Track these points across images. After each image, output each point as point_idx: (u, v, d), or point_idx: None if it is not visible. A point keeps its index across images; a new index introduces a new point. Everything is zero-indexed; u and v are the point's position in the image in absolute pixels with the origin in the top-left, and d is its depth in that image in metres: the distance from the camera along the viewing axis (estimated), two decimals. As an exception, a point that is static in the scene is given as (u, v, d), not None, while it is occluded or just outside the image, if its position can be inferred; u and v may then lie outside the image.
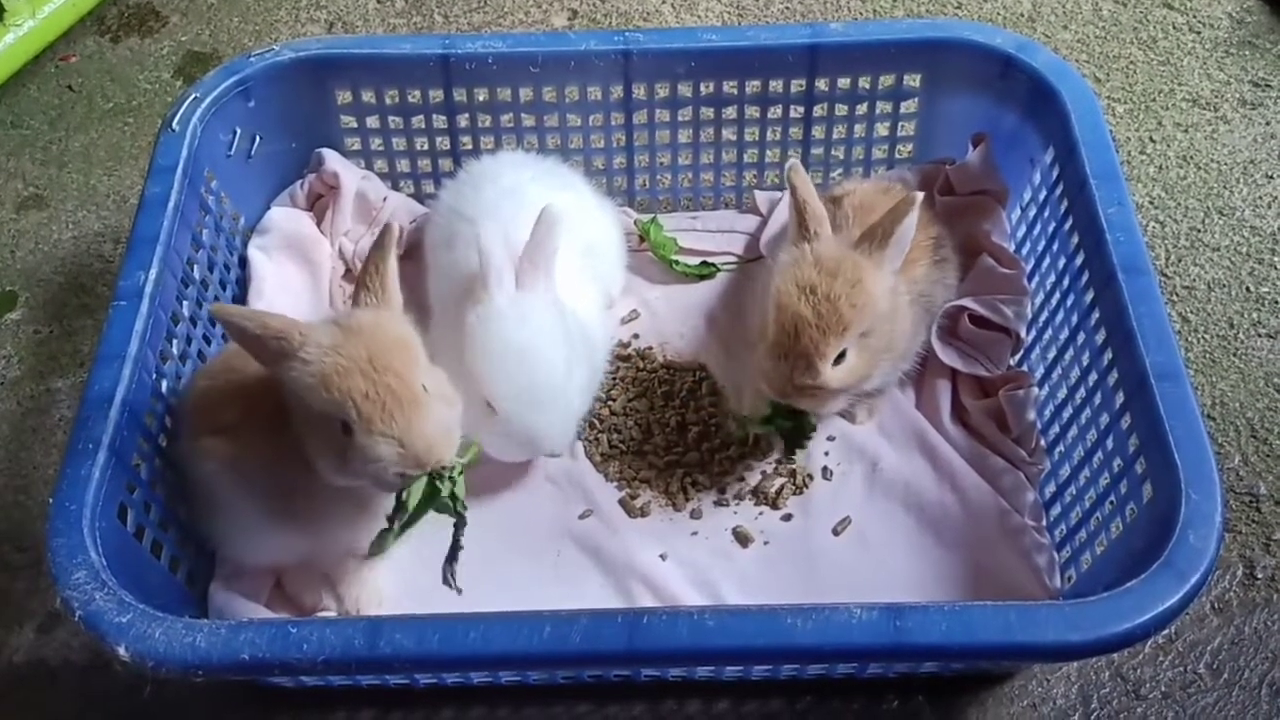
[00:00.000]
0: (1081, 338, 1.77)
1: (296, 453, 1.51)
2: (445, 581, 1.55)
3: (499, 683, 1.69)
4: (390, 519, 1.52)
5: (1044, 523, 1.80)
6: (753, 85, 2.09)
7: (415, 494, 1.48)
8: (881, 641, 1.36)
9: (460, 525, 1.54)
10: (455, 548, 1.55)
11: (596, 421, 1.94)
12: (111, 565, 1.43)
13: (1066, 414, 1.81)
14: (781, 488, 1.86)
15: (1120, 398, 1.63)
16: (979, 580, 1.74)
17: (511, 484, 1.87)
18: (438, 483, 1.48)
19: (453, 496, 1.50)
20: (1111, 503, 1.63)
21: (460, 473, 1.51)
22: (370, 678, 1.65)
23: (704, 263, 2.16)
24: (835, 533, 1.81)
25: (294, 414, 1.50)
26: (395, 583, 1.76)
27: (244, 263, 2.07)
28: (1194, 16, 2.63)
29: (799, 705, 1.70)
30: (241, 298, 2.03)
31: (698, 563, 1.78)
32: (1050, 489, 1.83)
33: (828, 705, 1.69)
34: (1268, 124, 2.41)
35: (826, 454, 1.90)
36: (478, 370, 1.64)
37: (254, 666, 1.36)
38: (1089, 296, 1.75)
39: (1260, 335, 2.08)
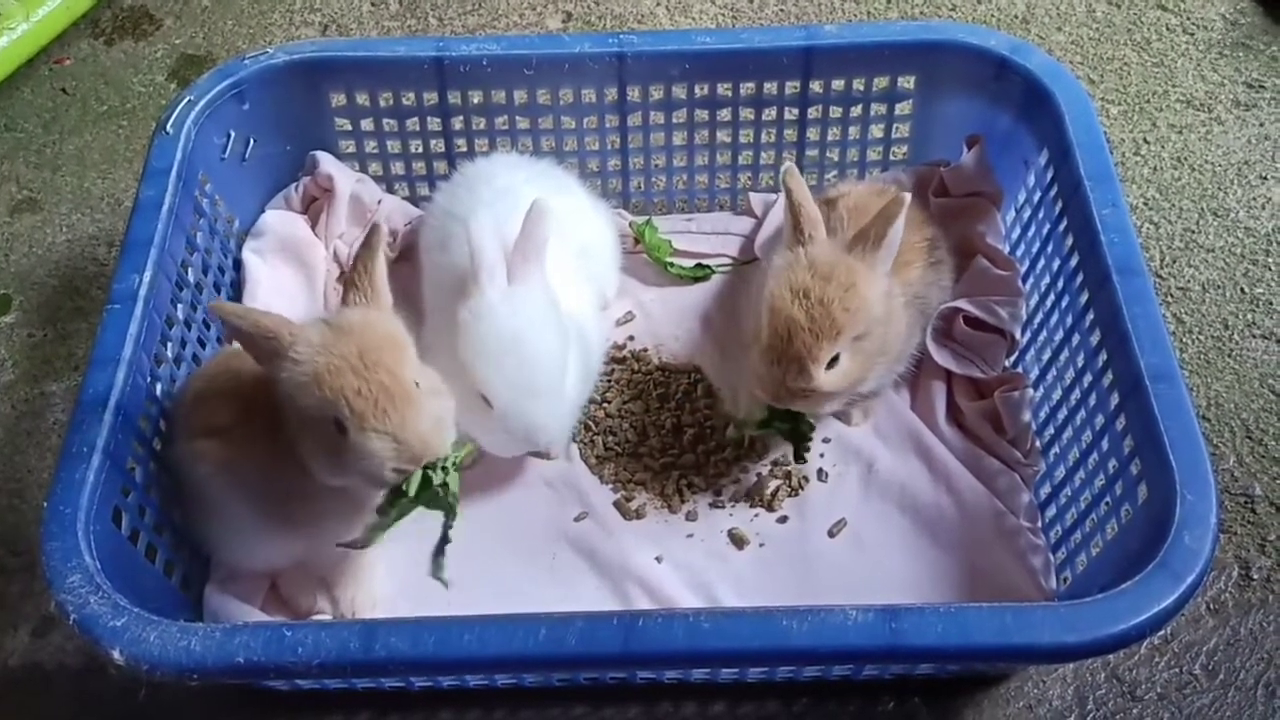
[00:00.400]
0: (1076, 339, 1.77)
1: (291, 455, 1.51)
2: (433, 574, 1.55)
3: (495, 685, 1.69)
4: (383, 509, 1.51)
5: (1039, 524, 1.80)
6: (747, 87, 2.09)
7: (414, 484, 1.48)
8: (877, 643, 1.36)
9: (450, 519, 1.53)
10: (443, 541, 1.54)
11: (592, 424, 1.94)
12: (106, 569, 1.43)
13: (1061, 415, 1.81)
14: (777, 490, 1.86)
15: (1115, 399, 1.63)
16: (974, 582, 1.74)
17: (507, 486, 1.87)
18: (430, 473, 1.48)
19: (444, 486, 1.49)
20: (1107, 504, 1.63)
21: (454, 465, 1.50)
22: (366, 681, 1.65)
23: (699, 265, 2.16)
24: (831, 534, 1.81)
25: (287, 415, 1.50)
26: (390, 584, 1.76)
27: (238, 265, 2.07)
28: (1188, 18, 2.63)
29: (795, 708, 1.69)
30: (236, 301, 2.03)
31: (693, 565, 1.78)
32: (1045, 490, 1.83)
33: (824, 707, 1.69)
34: (1261, 125, 2.41)
35: (822, 455, 1.90)
36: (472, 364, 1.64)
37: (249, 670, 1.36)
38: (1084, 298, 1.75)
39: (1255, 336, 2.08)
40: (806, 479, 1.88)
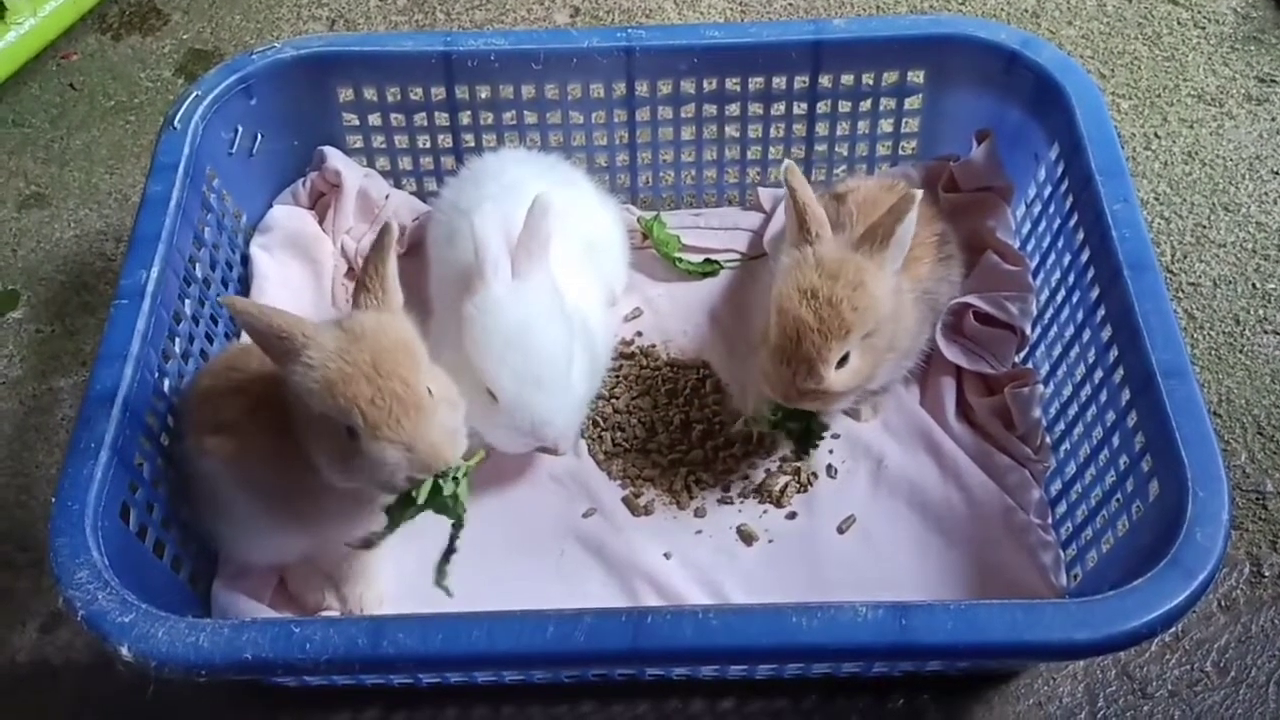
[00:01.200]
0: (1087, 334, 1.76)
1: (298, 451, 1.51)
2: (437, 583, 1.54)
3: (503, 682, 1.69)
4: (390, 512, 1.51)
5: (1050, 520, 1.80)
6: (756, 82, 2.08)
7: (424, 491, 1.48)
8: (887, 640, 1.35)
9: (457, 528, 1.53)
10: (450, 551, 1.54)
11: (600, 420, 1.93)
12: (114, 565, 1.43)
13: (1072, 411, 1.80)
14: (786, 485, 1.85)
15: (1126, 395, 1.62)
16: (984, 578, 1.74)
17: (515, 482, 1.87)
18: (441, 482, 1.48)
19: (454, 497, 1.49)
20: (1118, 500, 1.62)
21: (465, 474, 1.50)
22: (374, 677, 1.65)
23: (707, 260, 2.15)
24: (840, 531, 1.80)
25: (296, 414, 1.50)
26: (398, 581, 1.75)
27: (246, 261, 2.07)
28: (1199, 12, 2.62)
29: (804, 704, 1.69)
30: (243, 296, 2.02)
31: (702, 562, 1.78)
32: (1056, 487, 1.82)
33: (833, 704, 1.69)
34: (1273, 120, 2.40)
35: (831, 451, 1.90)
36: (477, 359, 1.64)
37: (257, 666, 1.36)
38: (1094, 293, 1.74)
39: (1266, 332, 2.07)
40: (815, 475, 1.87)
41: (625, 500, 1.85)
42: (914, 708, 1.69)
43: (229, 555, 1.74)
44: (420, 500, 1.48)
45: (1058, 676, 1.71)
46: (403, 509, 1.50)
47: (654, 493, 1.86)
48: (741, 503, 1.85)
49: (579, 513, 1.83)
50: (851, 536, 1.80)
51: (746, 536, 1.80)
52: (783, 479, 1.86)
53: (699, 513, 1.83)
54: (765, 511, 1.84)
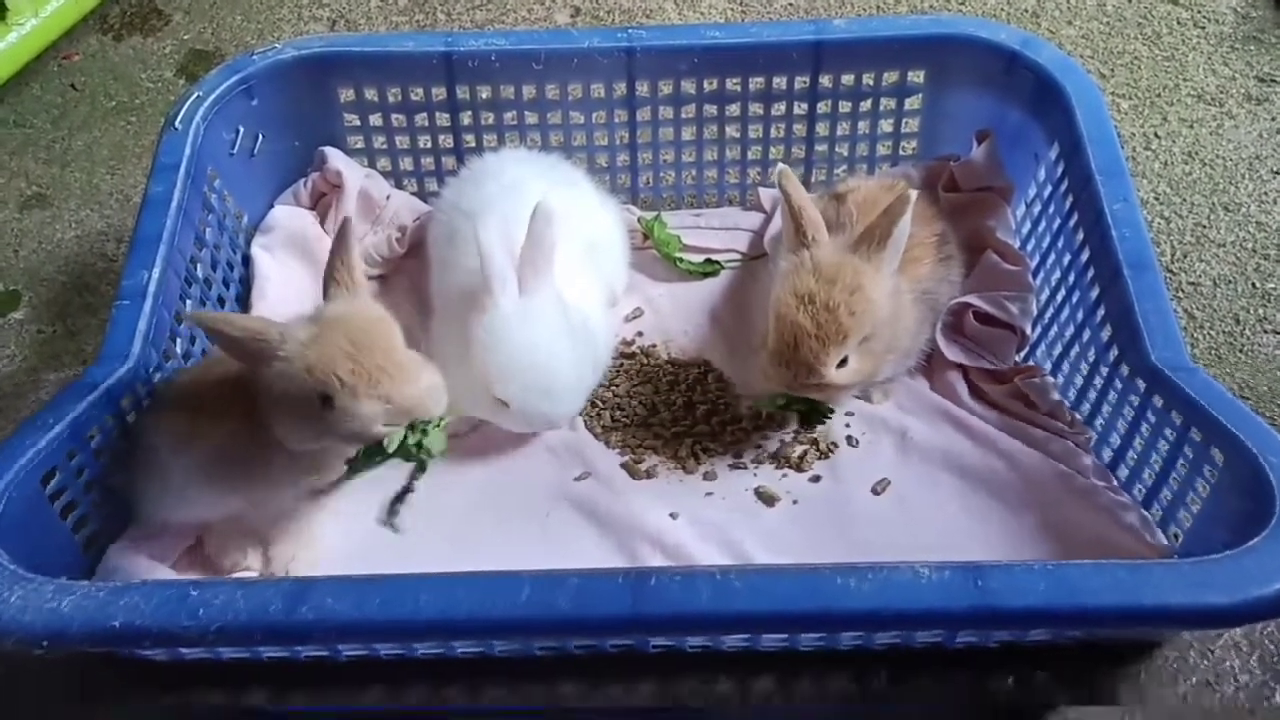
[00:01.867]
0: (1087, 334, 1.76)
1: (250, 429, 1.50)
2: (384, 521, 1.49)
3: (452, 655, 1.49)
4: (355, 461, 1.49)
5: (1114, 483, 1.69)
6: (756, 82, 2.09)
7: (394, 441, 1.46)
8: (963, 604, 1.21)
9: (418, 471, 1.50)
10: (405, 490, 1.51)
11: (599, 403, 1.90)
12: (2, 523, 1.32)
13: (1084, 409, 1.78)
14: (805, 453, 1.78)
15: (1141, 385, 1.60)
16: (1058, 539, 1.62)
17: (503, 453, 1.80)
18: (409, 431, 1.47)
19: (419, 445, 1.48)
20: (1184, 465, 1.54)
21: (437, 425, 1.49)
22: (277, 650, 1.47)
23: (708, 260, 2.15)
24: (875, 492, 1.73)
25: (265, 399, 1.49)
26: (335, 540, 1.63)
27: (247, 261, 2.07)
28: (1198, 11, 2.62)
29: (873, 684, 1.49)
30: (244, 297, 2.03)
31: (715, 520, 1.66)
32: (1106, 455, 1.74)
33: (910, 685, 1.48)
34: (1273, 119, 2.40)
35: (848, 425, 1.84)
36: (489, 378, 1.65)
37: (128, 635, 1.20)
38: (1094, 293, 1.74)
39: (1266, 331, 2.07)
40: (835, 445, 1.80)
41: (625, 466, 1.76)
42: (1030, 689, 1.45)
43: (149, 515, 1.61)
44: (391, 449, 1.46)
45: (1217, 649, 1.49)
46: (369, 457, 1.48)
47: (657, 459, 1.77)
48: (756, 468, 1.76)
49: (570, 476, 1.73)
50: (888, 498, 1.70)
51: (767, 498, 1.71)
52: (800, 447, 1.79)
53: (709, 476, 1.74)
54: (785, 475, 1.75)
